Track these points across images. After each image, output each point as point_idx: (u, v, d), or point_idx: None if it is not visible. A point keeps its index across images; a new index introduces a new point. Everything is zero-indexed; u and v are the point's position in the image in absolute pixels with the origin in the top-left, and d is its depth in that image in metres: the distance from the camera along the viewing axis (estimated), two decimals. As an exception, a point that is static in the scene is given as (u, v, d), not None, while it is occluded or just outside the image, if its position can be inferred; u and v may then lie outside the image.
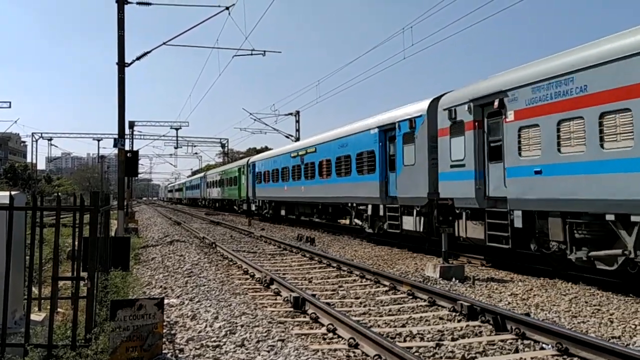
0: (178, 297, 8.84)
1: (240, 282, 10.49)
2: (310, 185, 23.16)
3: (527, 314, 7.25)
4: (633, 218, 8.08)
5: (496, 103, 10.95)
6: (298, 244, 16.97)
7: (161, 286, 9.89)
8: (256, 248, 16.86)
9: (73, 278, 5.50)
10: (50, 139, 68.98)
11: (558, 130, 9.46)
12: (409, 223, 14.67)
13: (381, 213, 16.33)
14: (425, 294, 8.55)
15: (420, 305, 8.22)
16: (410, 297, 8.79)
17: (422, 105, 14.31)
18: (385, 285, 9.80)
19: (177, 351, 5.72)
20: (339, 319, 6.72)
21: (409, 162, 14.71)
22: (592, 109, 8.75)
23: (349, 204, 19.10)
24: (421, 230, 14.10)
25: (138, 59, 20.04)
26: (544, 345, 5.95)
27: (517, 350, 5.90)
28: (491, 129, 11.59)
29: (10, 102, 60.35)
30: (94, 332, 5.21)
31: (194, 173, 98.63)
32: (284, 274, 11.49)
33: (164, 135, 71.57)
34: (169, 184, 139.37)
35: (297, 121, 42.97)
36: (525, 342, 6.15)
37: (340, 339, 6.38)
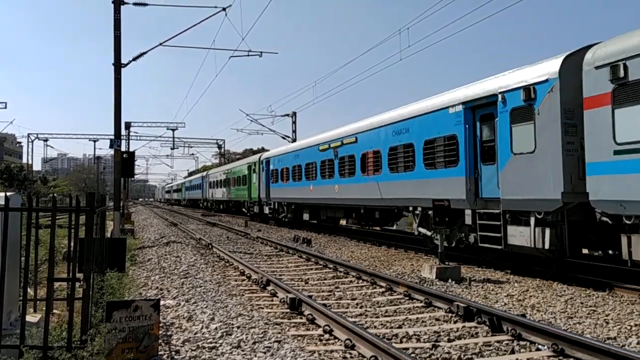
0: (174, 298, 8.82)
1: (236, 284, 10.48)
2: (347, 184, 18.85)
3: (523, 315, 7.27)
4: None
5: None
6: (295, 245, 16.96)
7: (157, 287, 9.87)
8: (253, 249, 16.84)
9: (69, 279, 5.48)
10: (46, 140, 68.70)
11: None
12: (520, 236, 10.47)
13: (467, 221, 12.16)
14: (422, 295, 8.56)
15: (417, 307, 8.23)
16: (407, 298, 8.80)
17: (550, 66, 10.10)
18: (381, 287, 9.81)
19: (173, 352, 5.71)
20: (335, 320, 6.71)
21: (524, 148, 10.50)
22: None
23: (410, 208, 14.65)
24: (545, 247, 9.83)
25: (134, 59, 20.01)
26: (540, 346, 5.96)
27: (513, 351, 5.91)
28: None
29: (6, 103, 60.07)
30: (89, 333, 5.19)
31: (190, 174, 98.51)
32: (280, 275, 11.48)
33: (160, 136, 71.24)
34: (166, 185, 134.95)
35: (294, 122, 42.96)
36: (522, 343, 6.16)
37: (336, 340, 6.37)
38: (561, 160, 9.63)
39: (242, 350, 5.80)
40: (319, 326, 6.93)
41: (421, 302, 8.39)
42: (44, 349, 5.03)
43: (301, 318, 7.51)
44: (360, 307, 8.21)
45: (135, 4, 19.44)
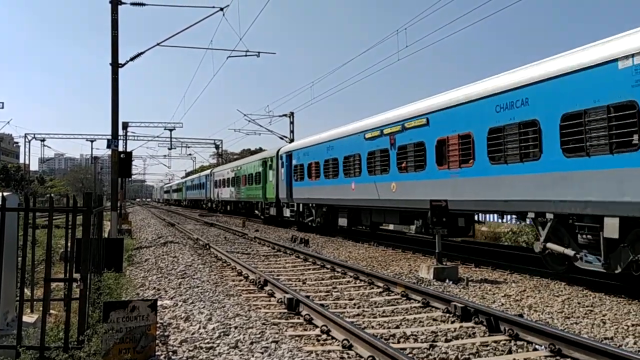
0: (171, 298, 8.81)
1: (234, 284, 10.47)
2: (412, 180, 14.33)
3: (521, 315, 7.28)
4: None
5: None
6: (292, 245, 16.95)
7: (154, 287, 9.85)
8: (250, 249, 16.83)
9: (66, 280, 5.47)
10: (43, 140, 68.60)
11: None
12: None
13: None
14: (419, 295, 8.57)
15: (414, 307, 8.24)
16: (404, 298, 8.81)
17: None
18: (379, 287, 9.81)
19: (170, 353, 5.70)
20: (333, 321, 6.71)
21: None
22: None
23: (531, 214, 10.35)
24: None
25: (132, 59, 19.99)
26: (537, 346, 5.97)
27: (510, 351, 5.92)
28: None
29: (3, 103, 59.87)
30: (86, 334, 5.18)
31: (188, 174, 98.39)
32: (278, 275, 11.48)
33: (157, 136, 70.98)
34: (165, 184, 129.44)
35: (292, 122, 42.93)
36: (519, 343, 6.17)
37: (334, 340, 6.37)
38: None
39: (240, 351, 5.80)
40: (317, 326, 6.93)
41: (419, 302, 8.40)
42: (41, 349, 5.02)
43: (299, 318, 7.51)
44: (358, 308, 8.21)
45: (132, 3, 19.42)
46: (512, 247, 16.38)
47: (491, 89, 11.39)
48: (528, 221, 11.34)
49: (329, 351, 5.92)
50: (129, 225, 25.94)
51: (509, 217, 14.91)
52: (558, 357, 5.66)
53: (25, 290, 6.00)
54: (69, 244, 5.73)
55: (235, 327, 6.75)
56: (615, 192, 8.32)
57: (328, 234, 21.78)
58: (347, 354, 5.84)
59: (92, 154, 78.25)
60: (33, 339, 5.31)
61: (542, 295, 8.97)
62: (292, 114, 43.09)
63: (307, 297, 8.58)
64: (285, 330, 6.77)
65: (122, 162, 18.59)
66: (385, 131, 15.81)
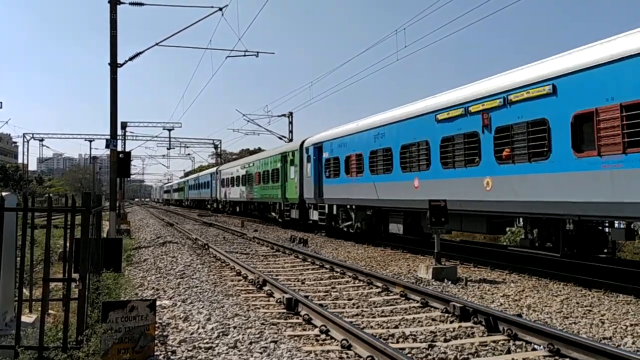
0: (170, 298, 8.80)
1: (233, 284, 10.47)
2: (523, 174, 10.51)
3: (519, 315, 7.29)
4: None
5: None
6: (291, 246, 16.95)
7: (153, 288, 9.85)
8: (249, 249, 16.83)
9: (64, 279, 5.47)
10: (41, 140, 68.53)
11: None
12: None
13: None
14: (418, 295, 8.57)
15: (413, 307, 8.24)
16: (403, 298, 8.81)
17: None
18: (378, 287, 9.81)
19: (169, 353, 5.70)
20: (331, 320, 6.72)
21: None
22: None
23: None
24: None
25: (131, 59, 19.96)
26: (535, 346, 5.98)
27: (509, 351, 5.92)
28: None
29: (1, 102, 59.97)
30: (85, 334, 5.18)
31: (186, 174, 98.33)
32: (276, 275, 11.48)
33: (156, 136, 70.93)
34: (165, 184, 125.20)
35: (291, 122, 42.95)
36: (518, 343, 6.18)
37: (333, 340, 6.37)
38: None
39: (239, 351, 5.80)
40: (316, 326, 6.93)
41: (417, 302, 8.40)
42: (39, 349, 5.01)
43: (298, 318, 7.51)
44: (357, 307, 8.21)
45: (131, 3, 19.40)
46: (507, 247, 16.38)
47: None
48: None
49: (328, 351, 5.92)
50: (127, 225, 25.94)
51: None
52: (557, 357, 5.66)
53: (24, 290, 5.99)
54: (68, 244, 5.72)
55: (234, 327, 6.75)
56: None
57: (372, 242, 17.68)
58: (346, 353, 5.84)
59: (90, 154, 78.26)
60: (32, 339, 5.30)
61: (541, 295, 8.98)
62: (291, 114, 43.13)
63: (306, 297, 8.58)
64: (284, 330, 6.77)
65: (121, 162, 18.57)
66: (473, 108, 11.95)
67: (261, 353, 5.71)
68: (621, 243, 13.81)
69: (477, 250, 14.89)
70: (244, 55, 24.56)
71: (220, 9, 19.42)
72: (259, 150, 75.84)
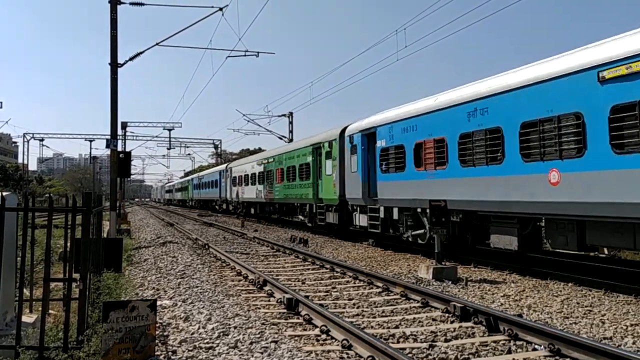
0: (171, 298, 8.81)
1: (233, 284, 10.47)
2: None
3: (520, 315, 7.29)
4: None
5: None
6: (291, 245, 16.95)
7: (154, 288, 9.85)
8: (249, 249, 16.83)
9: (65, 279, 5.47)
10: (42, 140, 68.68)
11: None
12: None
13: None
14: (419, 295, 8.57)
15: (414, 307, 8.24)
16: (404, 298, 8.81)
17: None
18: (378, 287, 9.81)
19: (169, 353, 5.70)
20: (332, 320, 6.71)
21: None
22: None
23: None
24: None
25: (131, 59, 19.98)
26: (536, 346, 5.98)
27: (509, 351, 5.92)
28: None
29: (1, 102, 60.02)
30: (86, 334, 5.18)
31: (186, 174, 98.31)
32: (277, 275, 11.48)
33: (156, 136, 71.14)
34: (166, 183, 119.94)
35: (291, 122, 42.97)
36: (518, 343, 6.18)
37: (333, 340, 6.38)
38: None
39: (239, 351, 5.80)
40: (316, 326, 6.93)
41: (418, 302, 8.40)
42: (40, 349, 5.02)
43: (298, 318, 7.51)
44: (357, 308, 8.21)
45: (131, 3, 19.40)
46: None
47: None
48: None
49: (329, 351, 5.92)
50: (127, 225, 25.94)
51: None
52: (557, 357, 5.66)
53: (25, 290, 5.99)
54: (68, 244, 5.72)
55: (235, 327, 6.75)
56: None
57: (456, 258, 13.04)
58: (347, 354, 5.85)
59: (90, 154, 78.29)
60: (32, 339, 5.30)
61: (541, 295, 8.98)
62: (291, 114, 43.15)
63: (307, 297, 8.58)
64: (285, 330, 6.77)
65: (121, 162, 18.57)
66: None
67: (262, 353, 5.71)
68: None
69: (477, 250, 14.88)
70: (244, 55, 24.60)
71: (221, 9, 19.43)
72: (259, 150, 75.72)
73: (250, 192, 33.69)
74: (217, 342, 6.13)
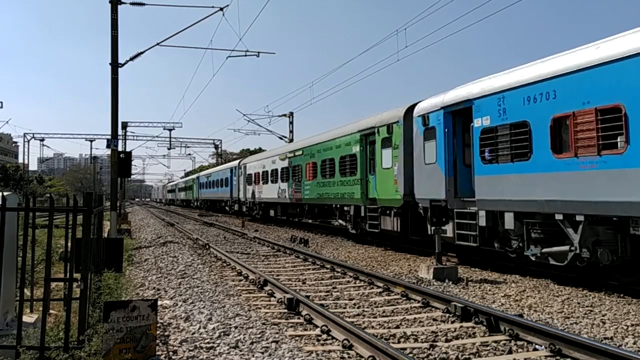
0: (171, 298, 8.81)
1: (234, 284, 10.47)
2: None
3: (521, 315, 7.29)
4: None
5: None
6: (292, 245, 16.95)
7: (154, 287, 9.85)
8: (250, 249, 16.82)
9: (66, 279, 5.47)
10: (42, 140, 68.76)
11: None
12: None
13: None
14: (419, 295, 8.57)
15: (414, 307, 8.24)
16: (404, 298, 8.81)
17: None
18: (379, 287, 9.81)
19: (170, 353, 5.70)
20: (333, 320, 6.71)
21: None
22: None
23: None
24: None
25: (132, 59, 19.99)
26: (537, 346, 5.98)
27: (510, 351, 5.92)
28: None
29: (2, 102, 59.98)
30: (86, 333, 5.18)
31: (187, 174, 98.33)
32: (277, 275, 11.48)
33: (157, 136, 71.05)
34: (168, 182, 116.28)
35: (291, 122, 42.98)
36: (519, 343, 6.17)
37: (334, 340, 6.37)
38: None
39: (240, 351, 5.80)
40: (317, 326, 6.93)
41: (418, 302, 8.40)
42: (41, 349, 5.01)
43: (299, 318, 7.51)
44: (358, 308, 8.21)
45: (132, 3, 19.41)
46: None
47: None
48: None
49: (329, 351, 5.92)
50: (128, 225, 25.95)
51: None
52: (558, 357, 5.66)
53: (25, 290, 5.99)
54: (69, 244, 5.72)
55: (236, 327, 6.75)
56: None
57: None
58: (348, 353, 5.84)
59: (91, 154, 78.35)
60: (33, 339, 5.30)
61: (542, 295, 8.97)
62: (291, 114, 43.16)
63: (307, 297, 8.58)
64: (286, 330, 6.77)
65: (122, 162, 18.59)
66: None
67: (262, 353, 5.71)
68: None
69: (478, 250, 14.87)
70: (245, 56, 24.63)
71: (221, 9, 19.44)
72: (260, 150, 75.61)
73: (270, 192, 29.03)
74: (218, 342, 6.13)
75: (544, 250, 10.09)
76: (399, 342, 6.29)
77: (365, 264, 13.10)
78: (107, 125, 19.05)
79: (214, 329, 6.69)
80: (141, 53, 20.35)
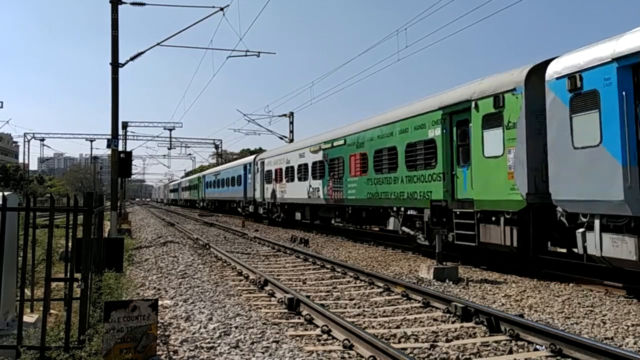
0: (172, 298, 8.81)
1: (234, 284, 10.47)
2: None
3: (521, 315, 7.28)
4: None
5: None
6: (292, 246, 16.95)
7: (155, 287, 9.85)
8: (250, 249, 16.82)
9: (66, 279, 5.46)
10: (42, 140, 68.80)
11: None
12: None
13: None
14: (420, 295, 8.57)
15: (415, 307, 8.24)
16: (405, 298, 8.80)
17: None
18: (379, 287, 9.81)
19: (171, 353, 5.70)
20: (333, 320, 6.71)
21: None
22: None
23: None
24: None
25: (132, 59, 19.99)
26: (537, 346, 5.97)
27: (511, 352, 5.92)
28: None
29: (2, 102, 60.06)
30: (87, 333, 5.18)
31: (187, 174, 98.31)
32: (278, 275, 11.48)
33: (157, 136, 71.02)
34: (170, 182, 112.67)
35: (291, 122, 42.98)
36: (519, 343, 6.17)
37: (334, 340, 6.37)
38: None
39: (241, 351, 5.80)
40: (317, 326, 6.93)
41: (419, 302, 8.40)
42: (41, 349, 5.01)
43: (299, 318, 7.51)
44: (358, 308, 8.21)
45: (132, 3, 19.41)
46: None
47: None
48: None
49: (330, 351, 5.92)
50: (128, 225, 25.97)
51: None
52: (559, 357, 5.66)
53: (26, 290, 5.99)
54: (70, 244, 5.72)
55: (236, 327, 6.74)
56: None
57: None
58: (348, 353, 5.84)
59: (91, 154, 78.34)
60: (33, 339, 5.30)
61: (543, 295, 8.97)
62: (291, 114, 43.15)
63: (308, 297, 8.58)
64: (286, 330, 6.77)
65: (122, 162, 18.59)
66: None
67: (263, 353, 5.71)
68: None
69: (478, 250, 14.86)
70: (245, 56, 24.63)
71: (222, 9, 19.43)
72: (260, 150, 75.51)
73: (296, 191, 24.24)
74: (219, 342, 6.12)
75: None
76: (399, 342, 6.29)
77: (366, 264, 13.10)
78: (108, 125, 19.06)
79: (214, 328, 6.69)
80: (141, 53, 20.36)
